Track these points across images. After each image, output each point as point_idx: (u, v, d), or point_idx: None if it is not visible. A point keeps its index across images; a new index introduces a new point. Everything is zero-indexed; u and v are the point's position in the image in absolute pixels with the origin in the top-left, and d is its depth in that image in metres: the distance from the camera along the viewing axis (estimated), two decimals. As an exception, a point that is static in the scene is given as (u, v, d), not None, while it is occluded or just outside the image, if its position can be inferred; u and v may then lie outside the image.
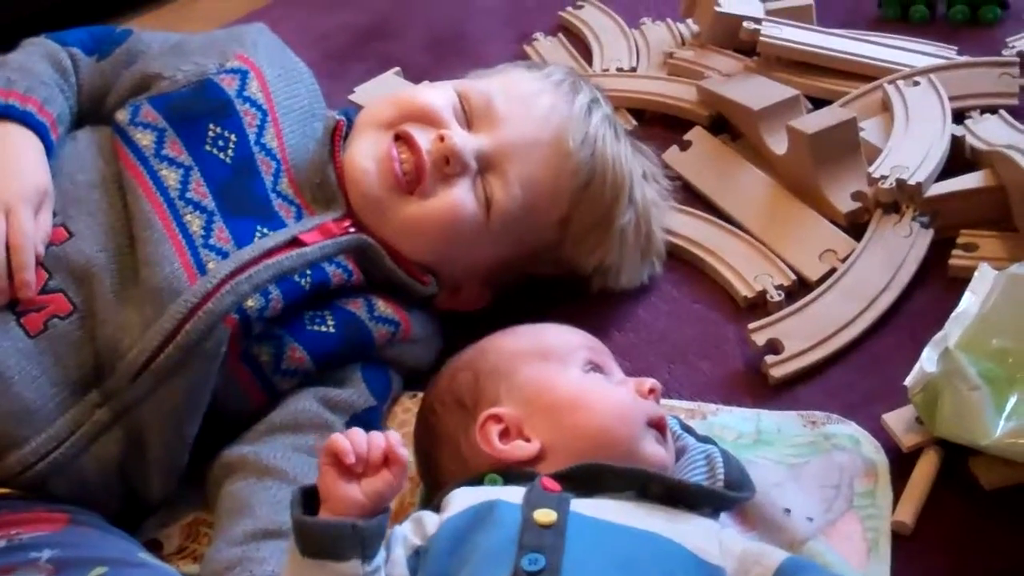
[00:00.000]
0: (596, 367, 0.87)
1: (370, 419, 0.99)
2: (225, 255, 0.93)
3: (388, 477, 0.73)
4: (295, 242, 0.97)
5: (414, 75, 1.50)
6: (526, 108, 1.04)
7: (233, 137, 1.00)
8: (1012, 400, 0.86)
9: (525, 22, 1.65)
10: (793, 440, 0.94)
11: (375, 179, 1.00)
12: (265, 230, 0.96)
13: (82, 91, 1.07)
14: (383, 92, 1.42)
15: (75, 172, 0.98)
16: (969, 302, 0.95)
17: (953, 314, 0.95)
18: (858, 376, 1.02)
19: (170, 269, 0.91)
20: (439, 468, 0.87)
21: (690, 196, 1.25)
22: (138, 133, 0.99)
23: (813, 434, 0.94)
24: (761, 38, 1.36)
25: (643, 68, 1.48)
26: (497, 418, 0.83)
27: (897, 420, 0.93)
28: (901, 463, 0.91)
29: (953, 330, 0.93)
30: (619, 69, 1.48)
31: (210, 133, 0.99)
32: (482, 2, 1.73)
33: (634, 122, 1.37)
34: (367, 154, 1.02)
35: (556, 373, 0.85)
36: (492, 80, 1.10)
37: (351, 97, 1.47)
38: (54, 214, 0.95)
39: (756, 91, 1.28)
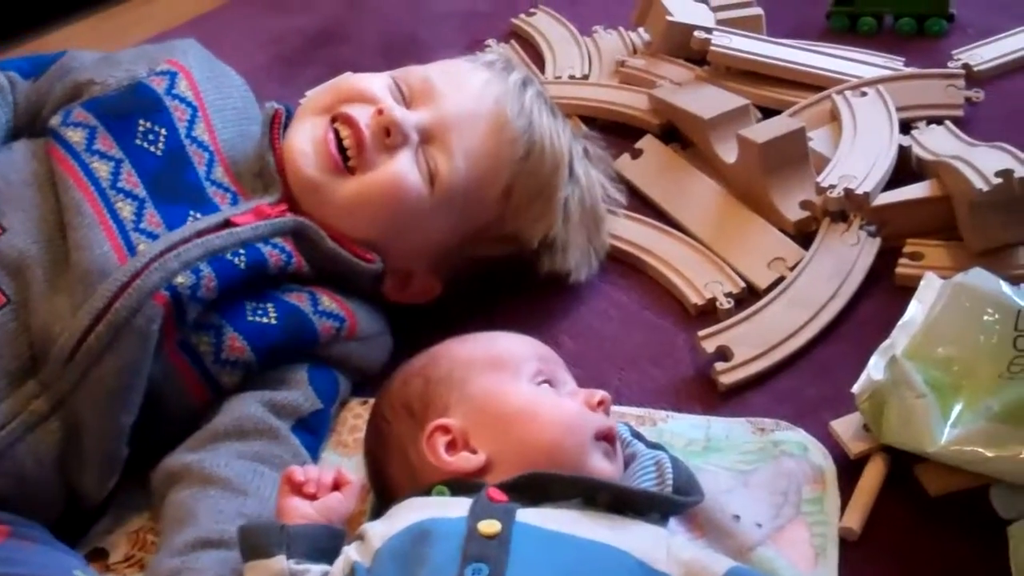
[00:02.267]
0: (546, 379, 0.86)
1: (317, 423, 0.98)
2: (155, 237, 0.93)
3: (338, 495, 0.81)
4: (228, 224, 0.97)
5: (366, 80, 1.49)
6: (462, 83, 1.07)
7: (163, 131, 1.00)
8: (957, 408, 0.86)
9: (478, 28, 1.65)
10: (742, 447, 0.94)
11: (312, 161, 1.01)
12: (198, 215, 0.97)
13: (18, 108, 1.08)
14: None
15: (8, 173, 0.98)
16: (915, 310, 0.96)
17: (899, 322, 0.96)
18: (806, 383, 1.02)
19: (100, 251, 0.91)
20: (389, 476, 0.86)
21: (641, 204, 1.25)
22: (70, 131, 0.99)
23: (762, 441, 0.94)
24: (711, 47, 1.37)
25: (595, 76, 1.49)
26: (444, 429, 0.82)
27: (845, 427, 0.94)
28: (848, 470, 0.91)
29: (899, 338, 0.93)
30: (571, 77, 1.48)
31: (140, 128, 1.00)
32: (435, 8, 1.73)
33: (586, 129, 1.37)
34: (305, 138, 1.03)
35: (506, 384, 0.84)
36: (427, 65, 1.12)
37: (302, 101, 1.45)
38: None
39: (707, 100, 1.29)
